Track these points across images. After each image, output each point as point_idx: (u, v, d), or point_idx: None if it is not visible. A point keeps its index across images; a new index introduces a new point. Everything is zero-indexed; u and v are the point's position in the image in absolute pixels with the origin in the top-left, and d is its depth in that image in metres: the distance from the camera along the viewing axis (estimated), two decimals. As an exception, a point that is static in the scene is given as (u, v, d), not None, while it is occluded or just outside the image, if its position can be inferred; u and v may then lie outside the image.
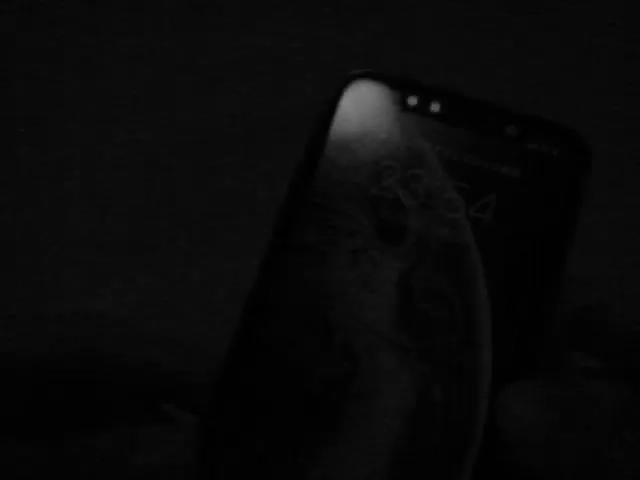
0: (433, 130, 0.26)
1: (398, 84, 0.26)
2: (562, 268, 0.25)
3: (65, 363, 0.25)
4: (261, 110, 0.60)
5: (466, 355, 0.24)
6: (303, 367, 0.24)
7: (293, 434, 0.24)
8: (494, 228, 0.25)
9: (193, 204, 0.58)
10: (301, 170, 0.26)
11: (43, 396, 0.25)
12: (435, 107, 0.26)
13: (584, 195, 0.25)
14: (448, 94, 0.26)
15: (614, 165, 0.57)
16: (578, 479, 0.22)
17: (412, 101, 0.26)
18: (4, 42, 0.63)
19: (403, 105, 0.26)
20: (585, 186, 0.25)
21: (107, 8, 0.64)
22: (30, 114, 0.61)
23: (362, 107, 0.26)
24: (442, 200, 0.25)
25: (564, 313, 0.25)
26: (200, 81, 0.62)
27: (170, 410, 0.26)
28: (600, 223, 0.55)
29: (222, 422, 0.24)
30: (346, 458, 0.24)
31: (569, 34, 0.62)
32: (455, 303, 0.25)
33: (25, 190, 0.58)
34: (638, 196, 0.57)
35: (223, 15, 0.63)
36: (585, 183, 0.25)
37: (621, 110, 0.59)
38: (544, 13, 0.63)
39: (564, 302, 0.25)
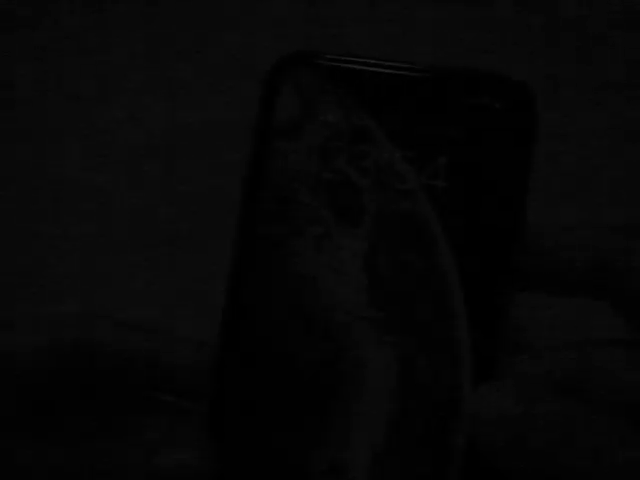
0: (372, 102, 0.25)
1: (329, 60, 0.25)
2: (523, 219, 0.24)
3: (65, 363, 0.25)
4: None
5: (443, 323, 0.24)
6: (289, 355, 0.25)
7: (288, 421, 0.24)
8: (449, 192, 0.24)
9: (193, 204, 0.58)
10: (251, 166, 0.26)
11: (44, 396, 0.25)
12: (371, 78, 0.25)
13: (534, 144, 0.24)
14: (383, 64, 0.25)
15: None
16: None
17: (346, 76, 0.25)
18: (9, 40, 0.63)
19: (337, 81, 0.25)
20: (533, 135, 0.24)
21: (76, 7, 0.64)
22: (29, 113, 0.61)
23: (297, 91, 0.25)
24: (393, 173, 0.25)
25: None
26: (199, 80, 0.62)
27: (169, 399, 0.26)
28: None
29: (224, 413, 0.25)
30: (343, 436, 0.24)
31: None
32: (422, 272, 0.24)
33: (25, 190, 0.58)
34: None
35: (207, 16, 0.63)
36: (533, 132, 0.24)
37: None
38: None
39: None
